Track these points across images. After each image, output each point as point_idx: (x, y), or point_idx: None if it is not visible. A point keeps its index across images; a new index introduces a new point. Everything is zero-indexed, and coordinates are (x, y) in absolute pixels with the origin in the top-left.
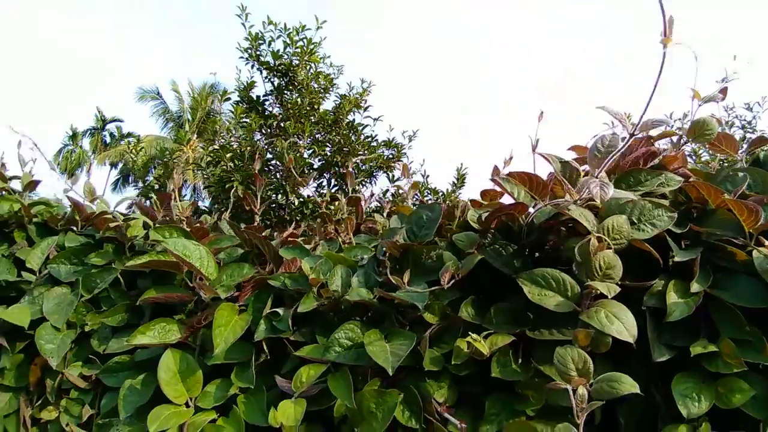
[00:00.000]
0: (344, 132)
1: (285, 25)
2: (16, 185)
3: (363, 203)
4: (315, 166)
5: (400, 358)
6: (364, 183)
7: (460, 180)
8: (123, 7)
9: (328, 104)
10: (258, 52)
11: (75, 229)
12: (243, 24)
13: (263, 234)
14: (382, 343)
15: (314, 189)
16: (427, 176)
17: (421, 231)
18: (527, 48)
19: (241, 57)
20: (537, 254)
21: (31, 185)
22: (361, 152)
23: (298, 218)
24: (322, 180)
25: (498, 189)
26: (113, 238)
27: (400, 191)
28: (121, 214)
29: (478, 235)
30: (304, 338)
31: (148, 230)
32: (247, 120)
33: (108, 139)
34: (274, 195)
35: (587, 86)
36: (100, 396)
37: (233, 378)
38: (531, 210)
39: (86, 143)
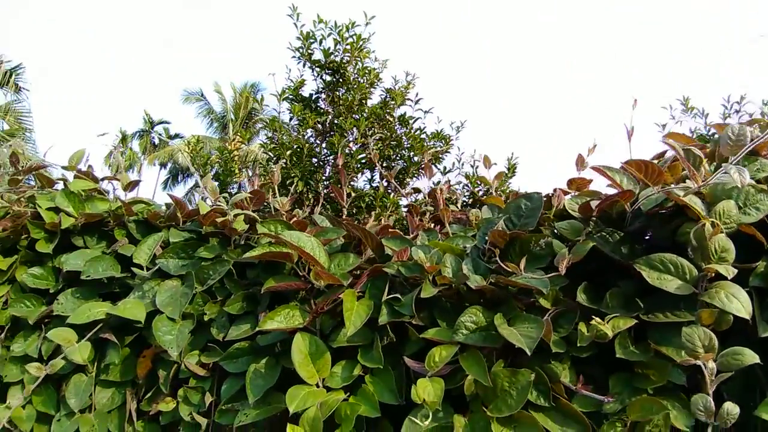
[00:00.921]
0: (390, 125)
1: (335, 22)
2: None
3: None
4: (363, 161)
5: (534, 340)
6: (416, 175)
7: (511, 169)
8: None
9: (373, 98)
10: (310, 51)
11: (176, 225)
12: (294, 24)
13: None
14: (507, 326)
15: (365, 183)
16: (477, 167)
17: (520, 220)
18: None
19: (293, 56)
20: (638, 241)
21: (131, 185)
22: (408, 145)
23: (354, 211)
24: (373, 174)
25: (586, 177)
26: (218, 232)
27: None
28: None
29: (580, 223)
30: (423, 322)
31: (251, 224)
32: (304, 117)
33: (156, 141)
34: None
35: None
36: (218, 383)
37: (360, 359)
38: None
39: (136, 145)
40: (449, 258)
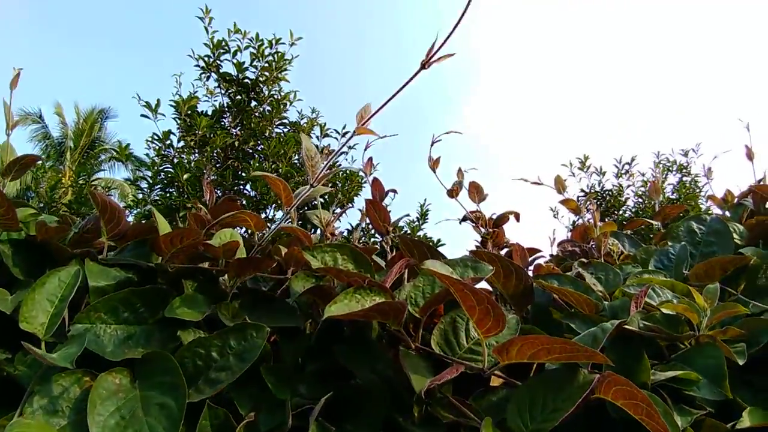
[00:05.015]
0: (293, 162)
1: (257, 34)
2: None
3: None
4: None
5: None
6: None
7: (423, 216)
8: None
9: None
10: (219, 62)
11: (96, 254)
12: (205, 28)
13: None
14: None
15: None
16: (389, 211)
17: (697, 248)
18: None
19: (196, 65)
20: None
21: (23, 165)
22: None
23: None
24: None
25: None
26: (193, 269)
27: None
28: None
29: None
30: None
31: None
32: (208, 135)
33: None
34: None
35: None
36: None
37: None
38: None
39: None
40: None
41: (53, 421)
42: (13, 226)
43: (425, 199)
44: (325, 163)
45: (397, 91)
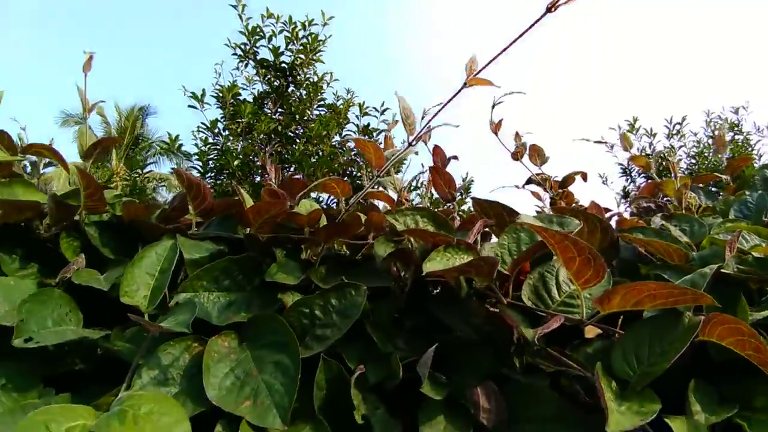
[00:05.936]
0: (332, 145)
1: (290, 17)
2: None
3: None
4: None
5: None
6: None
7: (466, 190)
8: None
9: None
10: (255, 49)
11: (185, 229)
12: (239, 15)
13: None
14: None
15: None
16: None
17: None
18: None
19: (234, 54)
20: None
21: (103, 148)
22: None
23: None
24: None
25: None
26: (280, 238)
27: None
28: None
29: None
30: None
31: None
32: (252, 122)
33: (29, 168)
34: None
35: None
36: None
37: None
38: None
39: None
40: None
41: (164, 390)
42: (99, 207)
43: (467, 173)
44: (427, 120)
45: (521, 34)
